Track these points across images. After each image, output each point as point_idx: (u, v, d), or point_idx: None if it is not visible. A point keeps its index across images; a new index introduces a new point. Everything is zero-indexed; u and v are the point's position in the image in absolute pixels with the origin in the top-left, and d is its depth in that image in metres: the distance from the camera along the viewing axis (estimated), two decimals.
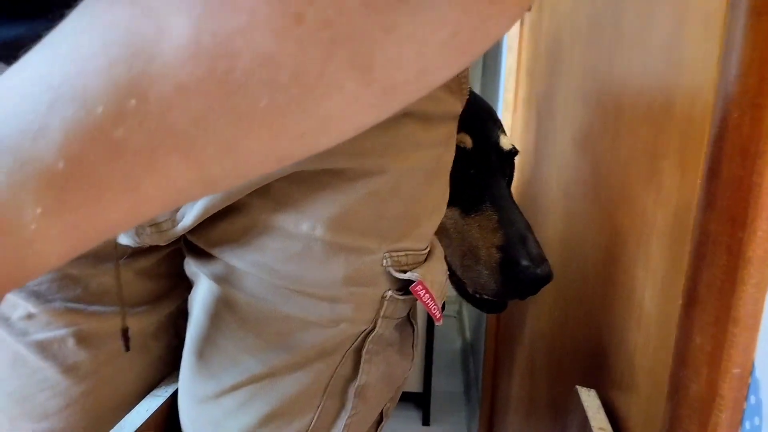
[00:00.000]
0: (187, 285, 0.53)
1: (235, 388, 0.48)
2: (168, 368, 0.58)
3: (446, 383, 2.01)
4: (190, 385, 0.51)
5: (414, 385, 1.78)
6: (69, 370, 0.51)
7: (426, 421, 1.78)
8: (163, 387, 0.56)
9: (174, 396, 0.54)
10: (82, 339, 0.51)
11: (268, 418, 0.48)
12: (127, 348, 0.51)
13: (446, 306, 0.53)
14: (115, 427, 0.50)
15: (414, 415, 1.81)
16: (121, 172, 0.22)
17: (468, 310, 2.38)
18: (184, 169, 0.23)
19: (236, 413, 0.48)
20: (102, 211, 0.23)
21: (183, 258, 0.52)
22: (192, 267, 0.51)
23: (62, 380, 0.51)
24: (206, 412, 0.50)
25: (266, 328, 0.47)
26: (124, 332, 0.51)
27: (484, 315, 1.51)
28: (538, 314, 0.97)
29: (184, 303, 0.54)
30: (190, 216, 0.44)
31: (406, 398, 1.79)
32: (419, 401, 1.80)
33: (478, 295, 0.65)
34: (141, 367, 0.56)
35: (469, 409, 1.81)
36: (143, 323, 0.54)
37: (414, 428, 1.77)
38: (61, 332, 0.51)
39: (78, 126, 0.21)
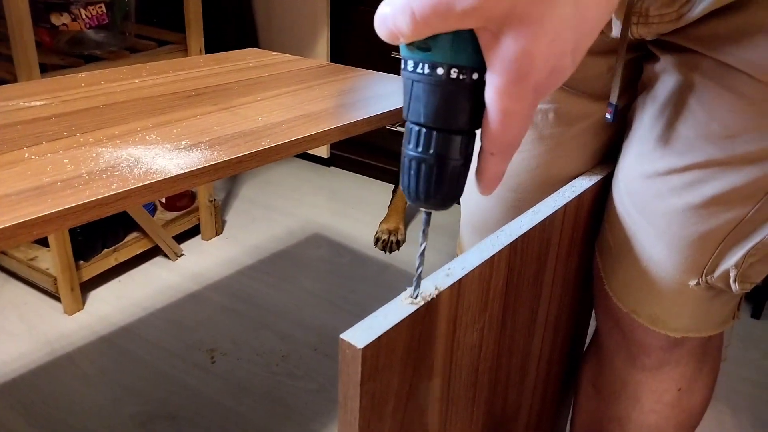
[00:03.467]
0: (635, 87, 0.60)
1: (687, 169, 0.54)
2: (599, 159, 0.67)
3: None
4: (638, 163, 0.57)
5: None
6: (543, 138, 0.64)
7: (756, 314, 1.61)
8: (590, 175, 0.64)
9: (602, 180, 0.64)
10: (560, 115, 0.62)
11: (712, 201, 0.53)
12: (613, 119, 0.59)
13: None
14: (548, 199, 0.58)
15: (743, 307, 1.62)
16: None
17: None
18: None
19: (682, 190, 0.54)
20: None
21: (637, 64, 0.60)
22: (660, 66, 0.56)
23: (537, 146, 0.64)
24: (650, 186, 0.56)
25: (734, 121, 0.50)
26: (612, 105, 0.59)
27: None
28: None
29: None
30: (699, 8, 0.48)
31: None
32: (750, 293, 1.61)
33: None
34: (590, 151, 0.65)
35: None
36: (600, 112, 0.62)
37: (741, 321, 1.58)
38: (546, 106, 0.62)
39: None
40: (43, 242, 1.54)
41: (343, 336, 0.39)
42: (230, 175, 0.66)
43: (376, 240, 1.90)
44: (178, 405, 1.26)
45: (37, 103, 0.79)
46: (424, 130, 0.35)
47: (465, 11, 0.29)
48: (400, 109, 0.38)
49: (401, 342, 0.41)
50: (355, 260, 1.82)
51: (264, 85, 0.94)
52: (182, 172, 0.61)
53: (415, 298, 0.42)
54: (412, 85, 0.35)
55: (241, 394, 1.30)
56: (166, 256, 1.75)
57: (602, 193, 0.65)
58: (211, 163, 0.63)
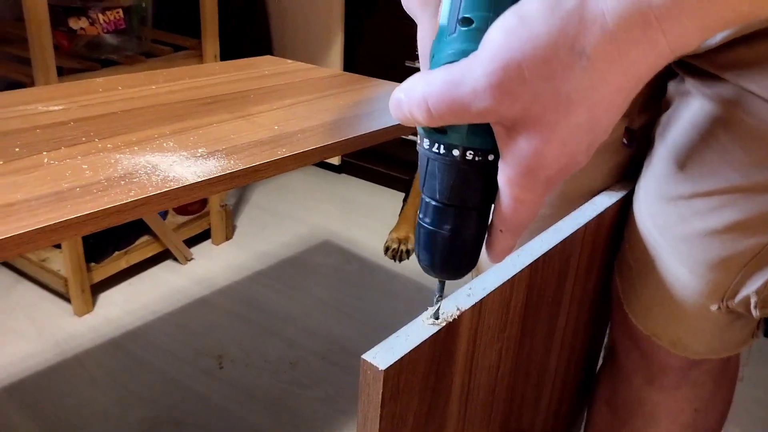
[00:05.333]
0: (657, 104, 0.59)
1: (710, 194, 0.53)
2: (620, 176, 0.65)
3: None
4: (661, 185, 0.57)
5: None
6: None
7: None
8: (611, 192, 0.63)
9: (623, 199, 0.63)
10: None
11: (734, 227, 0.53)
12: (629, 144, 0.59)
13: None
14: (568, 217, 0.57)
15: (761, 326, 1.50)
16: None
17: None
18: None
19: (705, 215, 0.53)
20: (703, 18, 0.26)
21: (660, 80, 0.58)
22: (684, 88, 0.55)
23: None
24: (673, 210, 0.55)
25: (758, 148, 0.50)
26: (628, 129, 0.58)
27: None
28: None
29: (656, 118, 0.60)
30: (719, 35, 0.47)
31: None
32: None
33: None
34: (608, 167, 0.64)
35: None
36: (619, 130, 0.61)
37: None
38: None
39: None
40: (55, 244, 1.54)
41: (364, 357, 0.38)
42: (246, 183, 0.66)
43: (386, 249, 1.90)
44: (185, 411, 1.26)
45: (56, 108, 0.79)
46: (439, 205, 0.36)
47: (479, 112, 0.29)
48: None
49: (422, 363, 0.41)
50: (364, 268, 1.82)
51: (280, 93, 0.94)
52: (199, 180, 0.60)
53: (437, 318, 0.42)
54: (428, 162, 0.36)
55: (248, 402, 1.29)
56: (176, 260, 1.75)
57: (623, 212, 0.64)
58: (228, 171, 0.63)
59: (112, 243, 1.57)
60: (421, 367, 0.41)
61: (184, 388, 1.31)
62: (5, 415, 1.21)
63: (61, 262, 1.49)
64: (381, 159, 2.33)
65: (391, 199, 2.22)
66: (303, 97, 0.92)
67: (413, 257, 1.89)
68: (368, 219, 2.10)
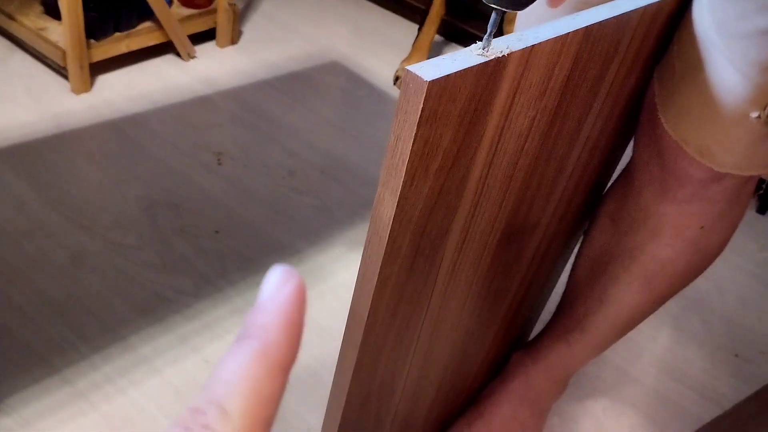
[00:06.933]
0: None
1: None
2: None
3: None
4: None
5: None
6: None
7: (762, 210, 1.58)
8: None
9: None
10: None
11: None
12: None
13: None
14: None
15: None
16: None
17: None
18: None
19: None
20: None
21: None
22: None
23: None
24: (735, 5, 0.52)
25: None
26: None
27: None
28: None
29: None
30: None
31: None
32: (758, 190, 1.54)
33: None
34: None
35: None
36: None
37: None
38: None
39: None
40: (55, 15, 1.45)
41: (409, 68, 0.36)
42: None
43: (396, 78, 1.83)
44: (182, 197, 1.27)
45: None
46: None
47: None
48: None
49: (464, 92, 0.39)
50: (372, 94, 1.77)
51: None
52: None
53: (486, 51, 0.39)
54: None
55: (244, 198, 1.30)
56: (178, 55, 1.68)
57: (678, 17, 0.59)
58: None
59: (113, 21, 1.48)
60: (462, 98, 0.39)
61: (182, 176, 1.32)
62: (1, 177, 1.22)
63: (60, 33, 1.42)
64: None
65: (407, 30, 2.11)
66: None
67: None
68: (381, 46, 2.01)
